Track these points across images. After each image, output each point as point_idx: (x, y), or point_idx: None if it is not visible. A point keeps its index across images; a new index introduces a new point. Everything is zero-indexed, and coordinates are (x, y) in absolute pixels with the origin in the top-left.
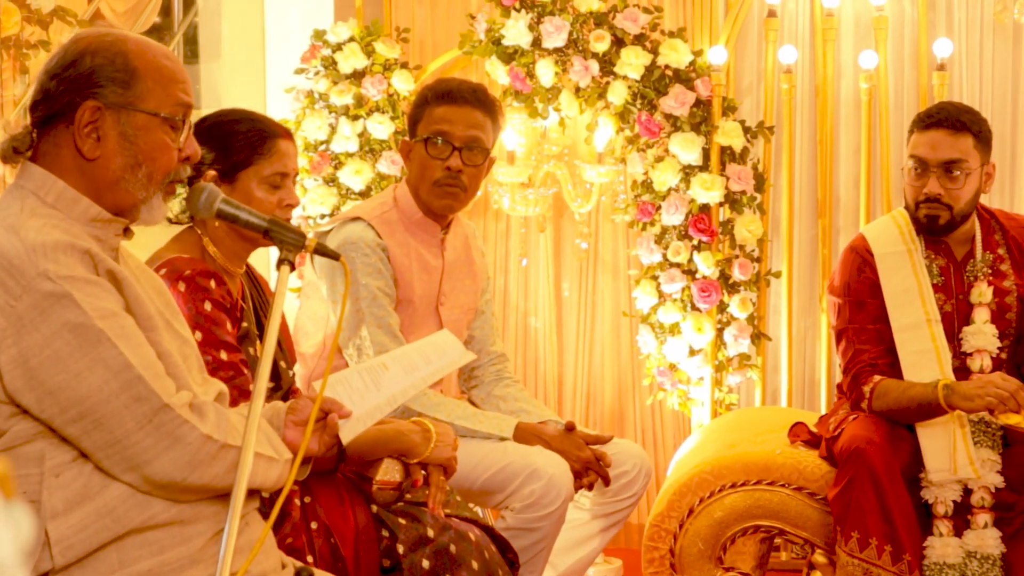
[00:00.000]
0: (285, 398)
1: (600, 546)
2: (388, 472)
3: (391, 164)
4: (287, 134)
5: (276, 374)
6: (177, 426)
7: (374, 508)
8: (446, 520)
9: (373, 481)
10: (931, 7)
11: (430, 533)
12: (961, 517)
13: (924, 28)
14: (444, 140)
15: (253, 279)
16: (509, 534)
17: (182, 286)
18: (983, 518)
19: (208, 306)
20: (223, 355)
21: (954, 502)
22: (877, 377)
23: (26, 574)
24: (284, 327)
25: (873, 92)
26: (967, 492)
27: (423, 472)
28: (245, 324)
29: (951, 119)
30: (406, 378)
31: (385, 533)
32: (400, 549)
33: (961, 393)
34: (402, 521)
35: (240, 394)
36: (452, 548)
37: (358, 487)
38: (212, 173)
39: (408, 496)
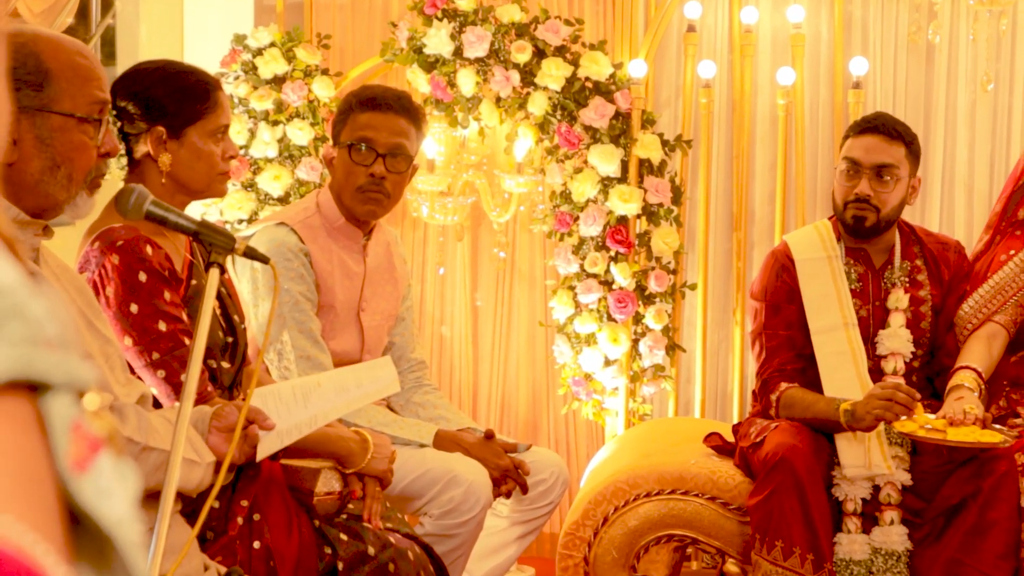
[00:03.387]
0: (243, 360)
1: (516, 553)
2: (327, 484)
3: (310, 170)
4: (220, 84)
5: (231, 328)
6: None
7: (317, 523)
8: (387, 537)
9: (313, 494)
10: (847, 26)
11: (371, 551)
12: (870, 515)
13: (840, 46)
14: (368, 146)
15: None
16: (427, 540)
17: (115, 258)
18: (890, 515)
19: (143, 276)
20: (161, 326)
21: (863, 500)
22: (784, 385)
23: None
24: (229, 281)
25: (789, 108)
26: (876, 490)
27: (360, 483)
28: (195, 281)
29: (887, 127)
30: (335, 399)
31: (328, 550)
32: (340, 566)
33: (856, 416)
34: (344, 537)
35: (181, 365)
36: (391, 567)
37: (302, 502)
38: (160, 130)
39: (351, 506)
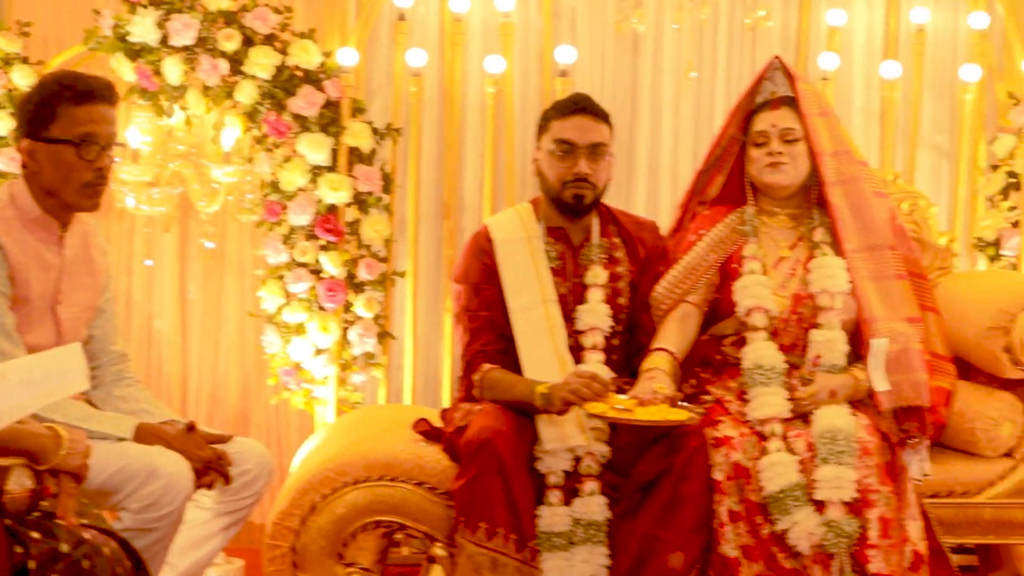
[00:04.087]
0: None
1: (220, 545)
2: (18, 481)
3: (10, 161)
4: None
5: None
6: None
7: (8, 521)
8: (81, 533)
9: (3, 492)
10: (556, 15)
11: (64, 548)
12: (571, 487)
13: (549, 35)
14: (94, 142)
15: None
16: (127, 535)
17: None
18: (590, 485)
19: None
20: None
21: (565, 472)
22: (486, 366)
23: None
24: None
25: (499, 97)
26: (578, 463)
27: (55, 479)
28: None
29: (593, 107)
30: (21, 392)
31: (19, 549)
32: (31, 565)
33: (549, 400)
34: (35, 535)
35: None
36: (86, 563)
37: None
38: None
39: (44, 504)
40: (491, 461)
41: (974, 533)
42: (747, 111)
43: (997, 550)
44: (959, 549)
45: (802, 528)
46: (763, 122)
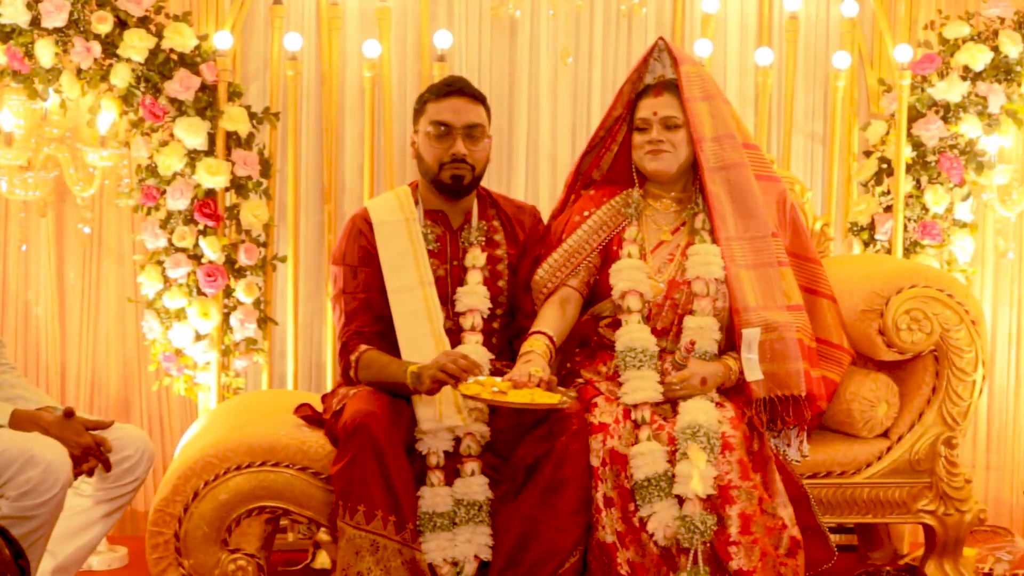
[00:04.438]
0: None
1: (102, 532)
2: None
3: None
4: None
5: None
6: None
7: None
8: None
9: None
10: (433, 0)
11: None
12: (453, 468)
13: (426, 20)
14: None
15: None
16: (5, 523)
17: None
18: (471, 466)
19: None
20: None
21: (446, 453)
22: (363, 347)
23: None
24: None
25: (376, 81)
26: (458, 443)
27: None
28: None
29: (469, 89)
30: None
31: None
32: None
33: (420, 379)
34: None
35: None
36: None
37: None
38: None
39: None
40: (366, 444)
41: (852, 512)
42: (633, 93)
43: (876, 529)
44: (839, 529)
45: (660, 519)
46: (645, 109)
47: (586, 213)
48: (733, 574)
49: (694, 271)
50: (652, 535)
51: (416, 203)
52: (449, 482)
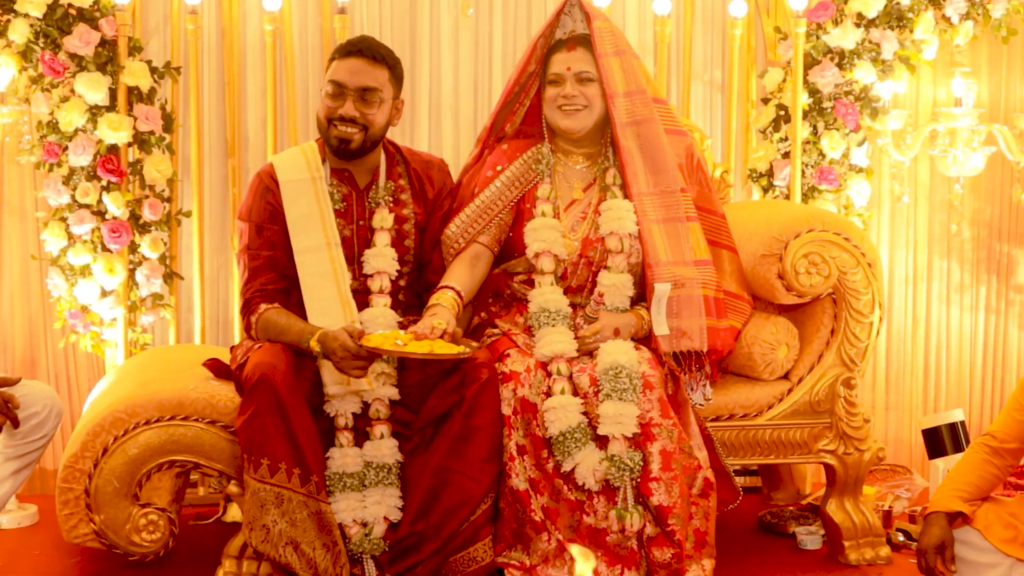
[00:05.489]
0: None
1: (12, 489)
2: None
3: None
4: None
5: None
6: None
7: None
8: None
9: None
10: None
11: None
12: (362, 429)
13: None
14: None
15: None
16: None
17: None
18: (380, 429)
19: None
20: None
21: (355, 415)
22: (263, 307)
23: None
24: None
25: (277, 34)
26: (367, 406)
27: None
28: None
29: (371, 50)
30: None
31: None
32: None
33: (327, 348)
34: None
35: None
36: None
37: None
38: None
39: None
40: (268, 397)
41: (755, 454)
42: (545, 47)
43: (779, 471)
44: (743, 471)
45: (586, 466)
46: (558, 64)
47: (499, 168)
48: (654, 510)
49: (608, 227)
50: (583, 484)
51: (323, 161)
52: (359, 443)
